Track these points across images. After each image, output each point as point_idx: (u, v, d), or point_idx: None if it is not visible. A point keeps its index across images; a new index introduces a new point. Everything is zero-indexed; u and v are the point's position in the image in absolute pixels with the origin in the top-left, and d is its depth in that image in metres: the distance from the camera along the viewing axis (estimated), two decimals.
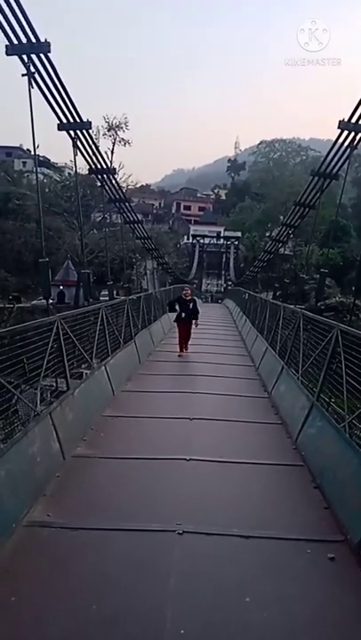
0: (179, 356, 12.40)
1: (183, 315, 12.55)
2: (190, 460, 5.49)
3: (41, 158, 58.05)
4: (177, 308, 12.82)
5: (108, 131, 48.56)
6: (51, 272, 8.28)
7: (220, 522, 4.20)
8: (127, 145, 50.42)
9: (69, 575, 3.45)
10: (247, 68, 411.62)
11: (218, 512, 4.44)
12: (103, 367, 7.96)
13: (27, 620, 3.01)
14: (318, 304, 15.65)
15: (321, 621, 3.11)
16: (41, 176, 53.39)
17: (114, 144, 49.04)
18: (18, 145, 72.88)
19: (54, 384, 6.10)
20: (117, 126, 49.08)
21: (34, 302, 39.77)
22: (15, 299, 39.25)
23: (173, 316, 13.17)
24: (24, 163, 67.98)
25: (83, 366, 7.54)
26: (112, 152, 48.56)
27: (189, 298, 12.86)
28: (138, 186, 58.70)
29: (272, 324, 11.35)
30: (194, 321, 12.60)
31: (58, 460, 5.17)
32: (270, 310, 12.34)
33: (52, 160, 64.74)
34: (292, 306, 10.91)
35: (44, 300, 8.73)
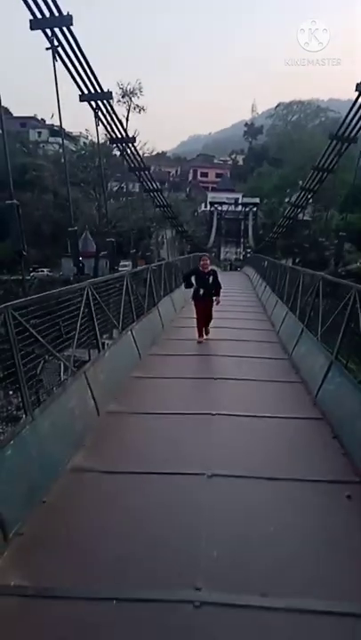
0: (198, 342, 10.11)
1: (202, 291, 10.09)
2: (216, 414, 5.87)
3: (55, 128, 57.63)
4: (193, 282, 10.30)
5: (123, 97, 47.96)
6: (70, 243, 8.45)
7: (246, 467, 4.58)
8: (142, 112, 49.85)
9: (113, 509, 3.89)
10: (264, 29, 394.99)
11: (243, 459, 4.82)
12: (129, 332, 8.33)
13: (80, 544, 3.45)
14: (339, 270, 15.70)
15: (338, 548, 3.48)
16: (56, 146, 53.17)
17: (128, 111, 48.55)
18: (32, 115, 72.30)
19: (76, 355, 6.28)
20: (132, 92, 48.45)
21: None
22: (35, 270, 39.83)
23: (190, 291, 10.62)
24: (39, 133, 67.52)
25: (104, 336, 7.81)
26: (127, 119, 48.04)
27: (208, 270, 10.27)
28: (154, 153, 58.11)
29: (292, 290, 11.51)
30: (215, 297, 10.18)
31: (93, 414, 5.59)
32: (290, 276, 12.48)
33: (66, 130, 64.17)
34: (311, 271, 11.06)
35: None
